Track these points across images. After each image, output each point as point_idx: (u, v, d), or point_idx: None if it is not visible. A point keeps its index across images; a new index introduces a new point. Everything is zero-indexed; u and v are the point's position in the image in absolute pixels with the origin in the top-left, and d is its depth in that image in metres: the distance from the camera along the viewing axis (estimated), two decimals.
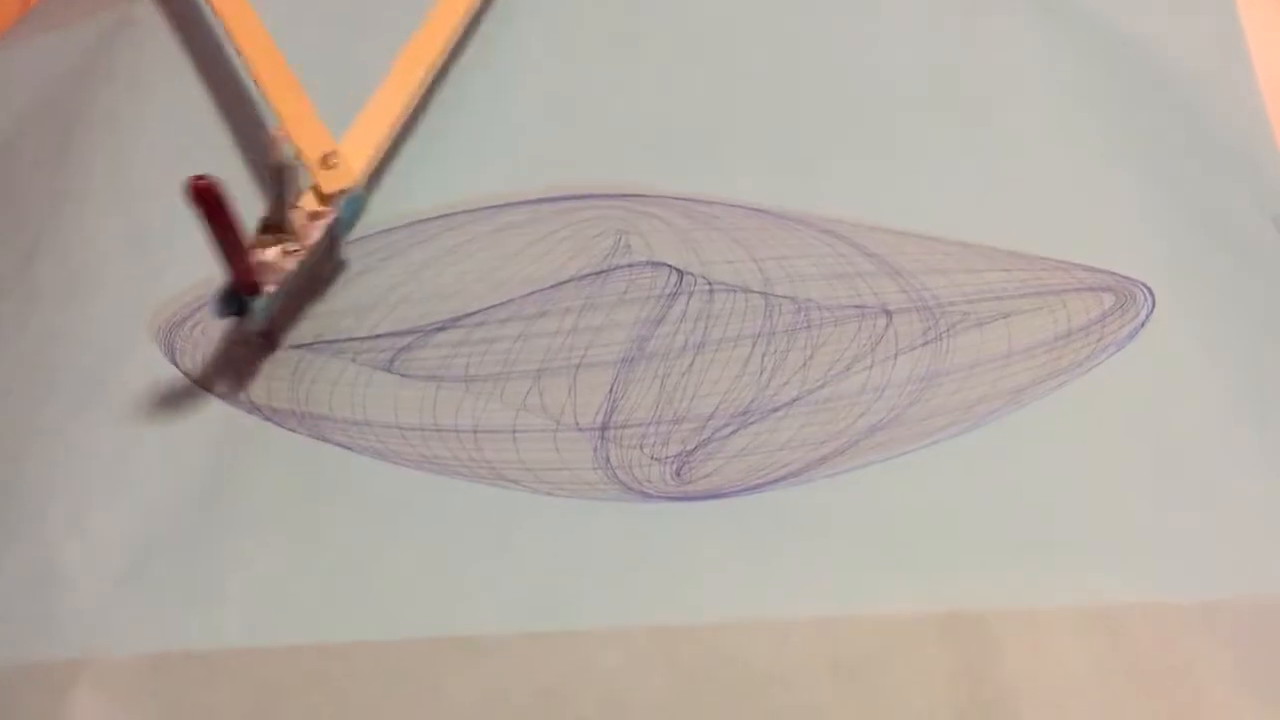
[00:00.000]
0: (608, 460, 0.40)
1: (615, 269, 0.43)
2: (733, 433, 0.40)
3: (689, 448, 0.40)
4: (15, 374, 0.42)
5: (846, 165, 0.46)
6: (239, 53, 0.44)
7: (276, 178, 0.38)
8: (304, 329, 0.42)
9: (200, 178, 0.34)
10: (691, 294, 0.43)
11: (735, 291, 0.43)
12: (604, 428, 0.40)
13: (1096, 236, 0.43)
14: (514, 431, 0.40)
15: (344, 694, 0.36)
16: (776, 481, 0.39)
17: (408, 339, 0.42)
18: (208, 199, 0.34)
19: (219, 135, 0.46)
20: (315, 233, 0.40)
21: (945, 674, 0.36)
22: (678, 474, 0.39)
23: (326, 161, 0.41)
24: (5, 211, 0.45)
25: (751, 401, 0.41)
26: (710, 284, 0.43)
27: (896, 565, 0.37)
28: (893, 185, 0.45)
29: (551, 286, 0.43)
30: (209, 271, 0.42)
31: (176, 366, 0.41)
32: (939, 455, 0.39)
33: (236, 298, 0.38)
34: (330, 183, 0.41)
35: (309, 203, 0.41)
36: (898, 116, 0.47)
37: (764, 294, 0.43)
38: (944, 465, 0.39)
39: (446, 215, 0.44)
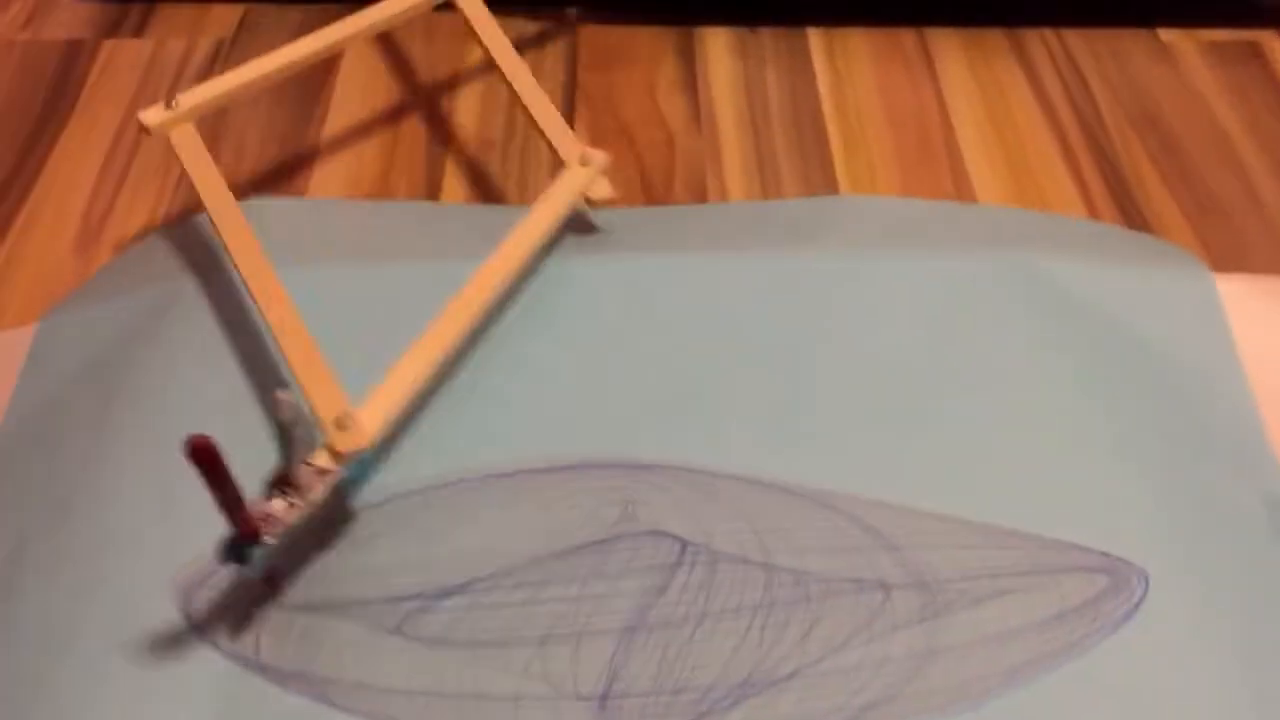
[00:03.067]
0: None
1: (620, 537, 0.45)
2: (731, 705, 0.40)
3: (688, 719, 0.40)
4: (39, 629, 0.43)
5: (846, 440, 0.47)
6: (264, 320, 0.48)
7: (283, 435, 0.41)
8: (315, 591, 0.43)
9: (199, 436, 0.36)
10: (694, 564, 0.44)
11: (736, 562, 0.44)
12: (604, 697, 0.41)
13: (1089, 517, 0.45)
14: (516, 700, 0.41)
15: None
16: None
17: (415, 603, 0.43)
18: (204, 455, 0.37)
19: (249, 400, 0.49)
20: (319, 488, 0.42)
21: None
22: None
23: (340, 423, 0.44)
24: (43, 468, 0.48)
25: (750, 674, 0.41)
26: (713, 554, 0.44)
27: None
28: (892, 460, 0.47)
29: (559, 554, 0.44)
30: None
31: (191, 625, 0.42)
32: None
33: (237, 546, 0.40)
34: (342, 443, 0.43)
35: (321, 460, 0.43)
36: (898, 394, 0.49)
37: (764, 565, 0.44)
38: None
39: (455, 483, 0.46)
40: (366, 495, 0.46)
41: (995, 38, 0.73)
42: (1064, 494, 0.46)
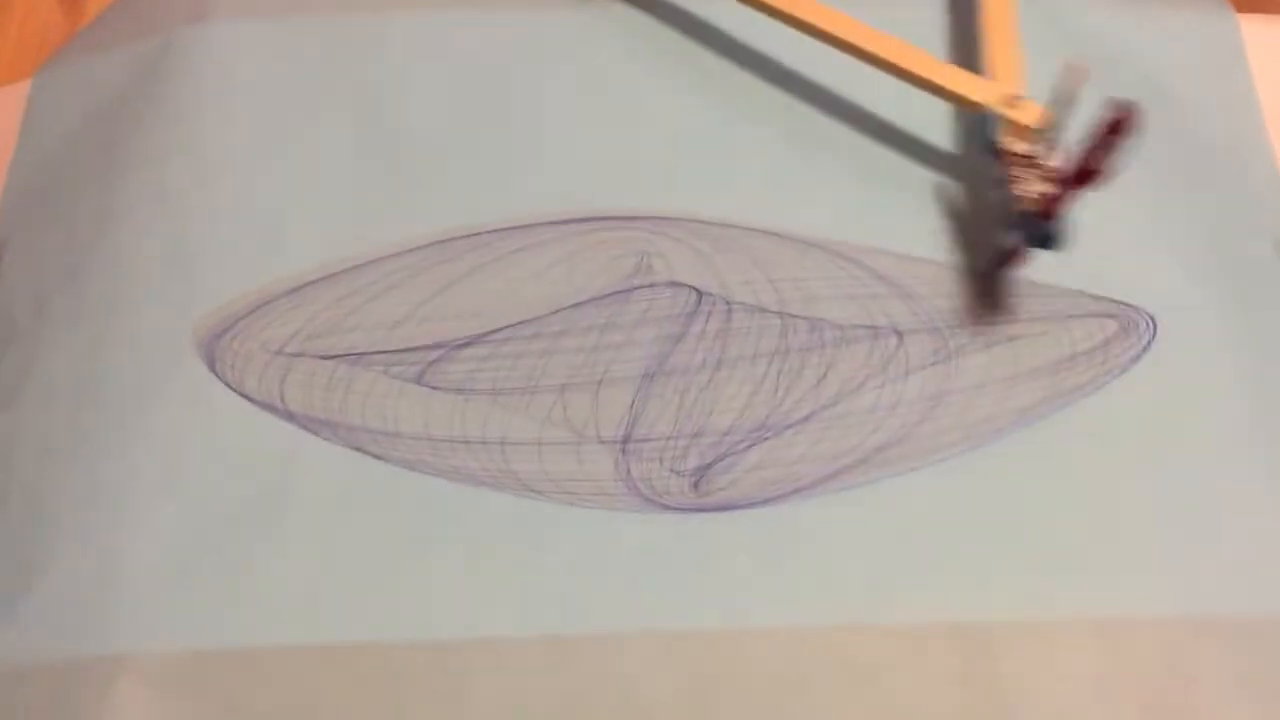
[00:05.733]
0: (628, 473, 0.41)
1: (637, 288, 0.45)
2: (749, 448, 0.42)
3: (706, 461, 0.41)
4: (64, 382, 0.43)
5: (859, 191, 0.47)
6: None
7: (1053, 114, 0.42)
8: (338, 339, 0.44)
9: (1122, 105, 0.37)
10: (710, 313, 0.44)
11: (752, 311, 0.44)
12: (625, 441, 0.42)
13: (1100, 264, 0.45)
14: (539, 444, 0.42)
15: (373, 692, 0.37)
16: (790, 495, 0.41)
17: (436, 353, 0.44)
18: (1127, 125, 0.37)
19: (286, 150, 0.48)
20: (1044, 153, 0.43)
21: (951, 682, 0.37)
22: (695, 486, 0.41)
23: (1009, 103, 0.45)
24: (53, 228, 0.47)
25: (767, 417, 0.42)
26: (728, 304, 0.45)
27: (905, 577, 0.39)
28: (906, 212, 0.47)
29: (575, 305, 0.45)
30: (246, 286, 0.44)
31: (216, 375, 0.43)
32: (947, 472, 0.41)
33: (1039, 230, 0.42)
34: (1029, 116, 0.44)
35: (1010, 142, 0.44)
36: (908, 146, 0.49)
37: (780, 314, 0.44)
38: (952, 482, 0.41)
39: (472, 235, 0.46)
40: (368, 248, 0.46)
41: None
42: (1073, 240, 0.46)
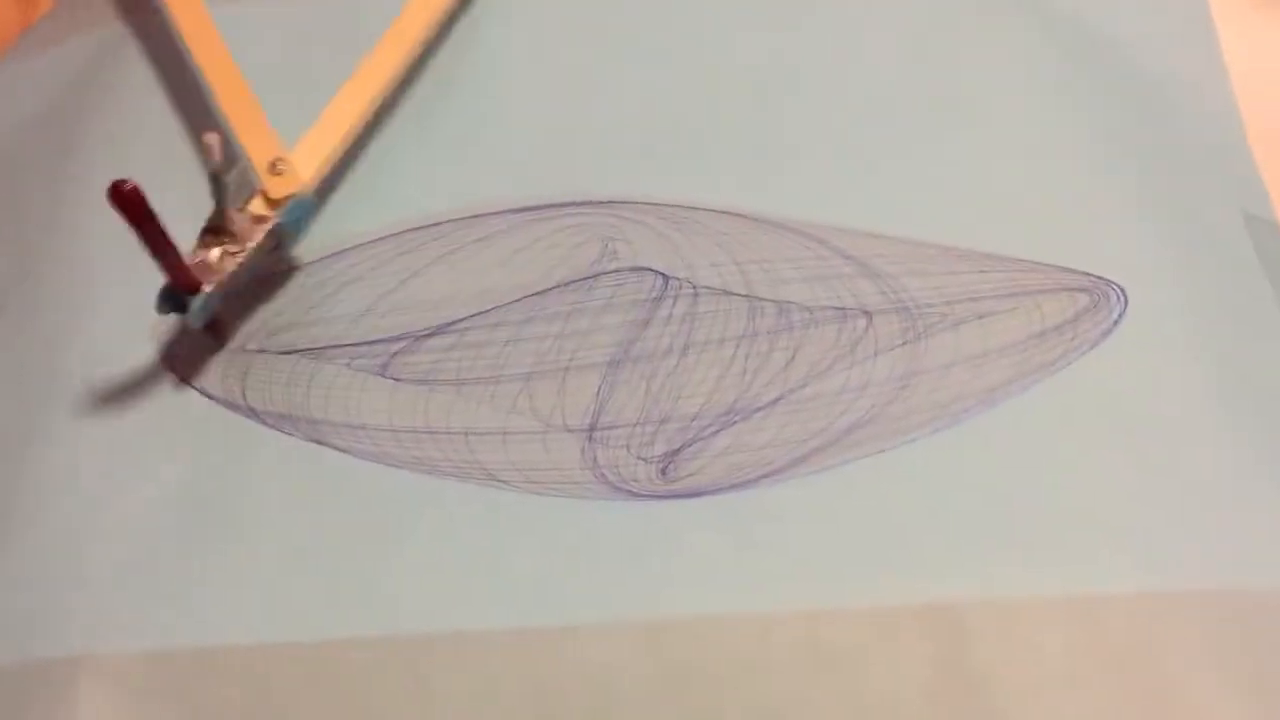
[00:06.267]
0: (595, 460, 0.41)
1: (601, 274, 0.45)
2: (716, 432, 0.41)
3: (674, 447, 0.41)
4: (17, 377, 0.43)
5: (824, 169, 0.47)
6: (195, 63, 0.45)
7: (213, 182, 0.40)
8: (299, 335, 0.43)
9: (121, 181, 0.35)
10: (676, 297, 0.44)
11: (719, 294, 0.44)
12: (591, 429, 0.41)
13: (1070, 237, 0.45)
14: (504, 433, 0.41)
15: (339, 690, 0.37)
16: (759, 479, 0.40)
17: (400, 344, 0.43)
18: (128, 202, 0.35)
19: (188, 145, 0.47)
20: (257, 236, 0.42)
21: (923, 665, 0.37)
22: (663, 473, 0.40)
23: (274, 168, 0.42)
24: (6, 221, 0.47)
25: (735, 402, 0.42)
26: (695, 288, 0.44)
27: (876, 559, 0.38)
28: (869, 188, 0.46)
29: (539, 292, 0.44)
30: None
31: (173, 371, 0.42)
32: (917, 452, 0.40)
33: (174, 295, 0.40)
34: (277, 189, 0.42)
35: (257, 207, 0.42)
36: (875, 119, 0.48)
37: (747, 297, 0.44)
38: (922, 462, 0.40)
39: (433, 225, 0.46)
40: (330, 241, 0.45)
41: None
42: (1044, 214, 0.46)
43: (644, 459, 0.41)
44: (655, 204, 0.46)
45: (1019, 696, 0.36)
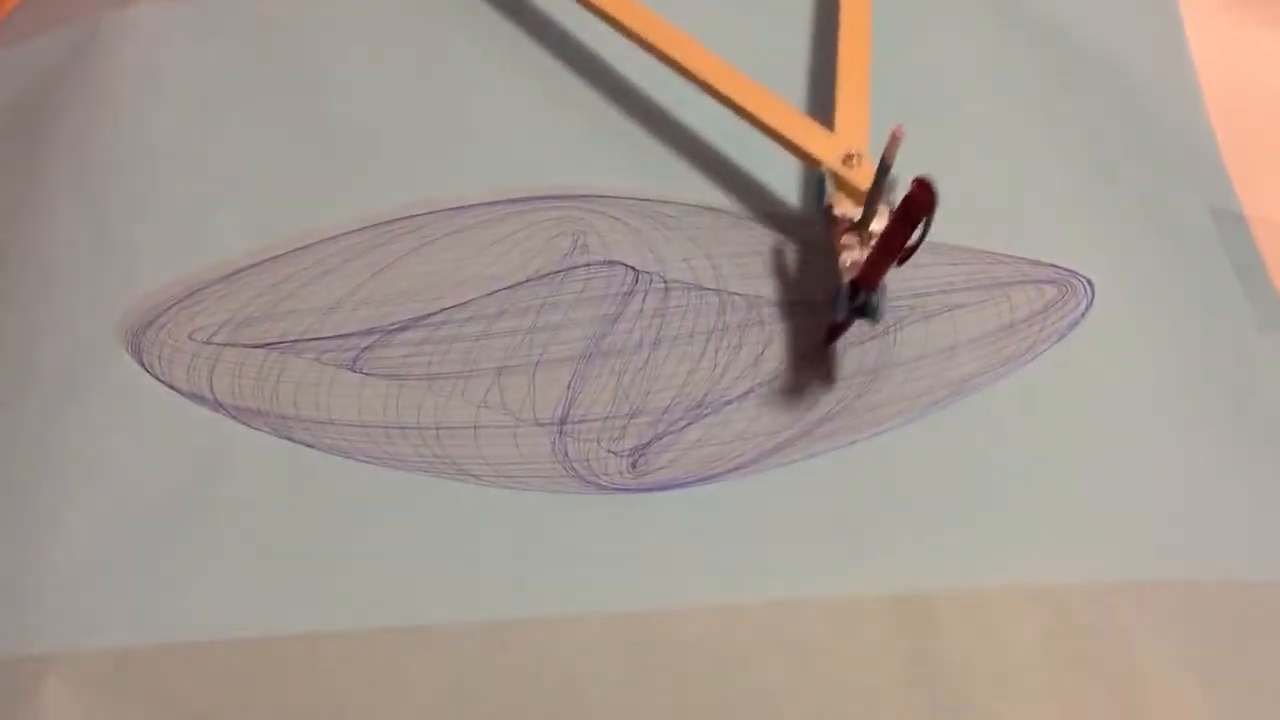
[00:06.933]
0: (565, 454, 0.41)
1: (573, 268, 0.45)
2: (687, 426, 0.41)
3: (644, 441, 0.41)
4: None
5: (795, 164, 0.47)
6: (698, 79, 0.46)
7: (878, 179, 0.40)
8: (269, 327, 0.43)
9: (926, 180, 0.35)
10: (647, 292, 0.44)
11: (690, 289, 0.44)
12: (562, 422, 0.41)
13: (1039, 231, 0.45)
14: (475, 428, 0.41)
15: (309, 684, 0.37)
16: (729, 471, 0.40)
17: (370, 339, 0.43)
18: (928, 202, 0.35)
19: (213, 134, 0.47)
20: (882, 220, 0.40)
21: (893, 654, 0.37)
22: (633, 466, 0.40)
23: (849, 162, 0.43)
24: None
25: (705, 395, 0.42)
26: (665, 281, 0.44)
27: (845, 550, 0.39)
28: None
29: (511, 286, 0.44)
30: (174, 274, 0.43)
31: (143, 366, 0.42)
32: (886, 444, 0.40)
33: (858, 293, 0.39)
34: (860, 179, 0.42)
35: (841, 204, 0.42)
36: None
37: (718, 291, 0.44)
38: (891, 453, 0.40)
39: (406, 218, 0.45)
40: (302, 234, 0.45)
41: None
42: (1013, 208, 0.46)
43: (614, 452, 0.41)
44: (628, 197, 0.46)
45: (988, 685, 0.36)
